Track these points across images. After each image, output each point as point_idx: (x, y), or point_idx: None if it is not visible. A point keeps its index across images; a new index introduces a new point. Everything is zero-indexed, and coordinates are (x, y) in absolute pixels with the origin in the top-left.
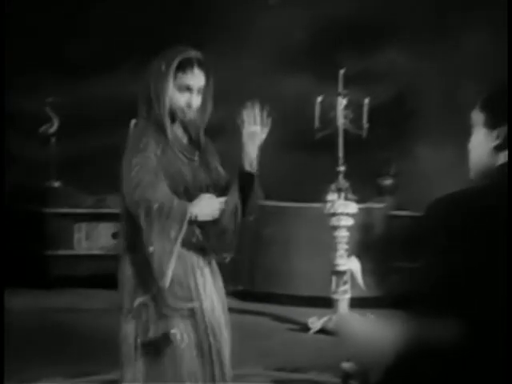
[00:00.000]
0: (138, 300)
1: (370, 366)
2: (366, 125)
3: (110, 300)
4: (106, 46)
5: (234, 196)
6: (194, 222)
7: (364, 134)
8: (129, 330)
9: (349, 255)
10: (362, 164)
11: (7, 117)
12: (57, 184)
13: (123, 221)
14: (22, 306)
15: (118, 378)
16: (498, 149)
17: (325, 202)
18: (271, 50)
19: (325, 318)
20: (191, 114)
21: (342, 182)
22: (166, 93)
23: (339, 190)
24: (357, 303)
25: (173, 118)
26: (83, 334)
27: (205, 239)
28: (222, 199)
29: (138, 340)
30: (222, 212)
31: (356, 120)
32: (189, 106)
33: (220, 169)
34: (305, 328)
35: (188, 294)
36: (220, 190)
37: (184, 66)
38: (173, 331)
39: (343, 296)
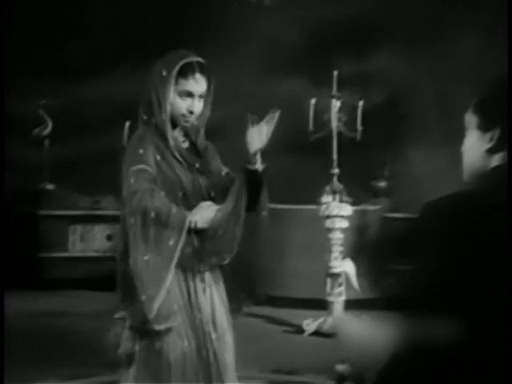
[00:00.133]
0: (119, 314)
1: (365, 368)
2: (359, 127)
3: (105, 302)
4: (99, 48)
5: (233, 196)
6: (192, 230)
7: (358, 136)
8: (127, 334)
9: (343, 257)
10: (356, 166)
11: (1, 119)
12: (51, 186)
13: (122, 224)
14: (17, 308)
15: (112, 380)
16: (491, 151)
17: (319, 204)
18: (266, 52)
19: (320, 320)
20: (192, 120)
21: (337, 184)
22: (167, 99)
23: (334, 193)
24: (351, 305)
25: (173, 124)
26: (78, 336)
27: (201, 245)
28: (221, 207)
29: (136, 347)
30: (218, 215)
31: (350, 122)
32: (190, 111)
33: (223, 171)
34: (300, 330)
35: (170, 312)
36: (224, 194)
37: (185, 72)
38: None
39: (338, 298)
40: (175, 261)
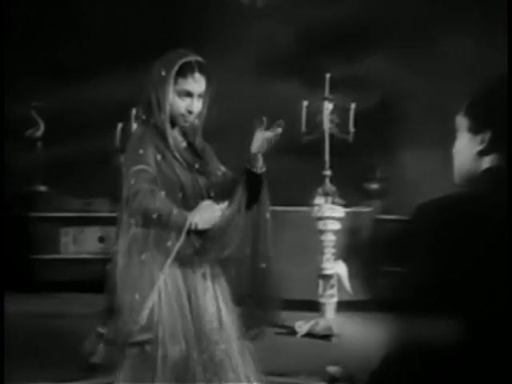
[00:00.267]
0: (101, 329)
1: (357, 370)
2: (352, 129)
3: (97, 304)
4: (92, 51)
5: (237, 200)
6: (193, 232)
7: (350, 138)
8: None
9: (336, 259)
10: (348, 168)
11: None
12: (43, 188)
13: (119, 225)
14: (8, 310)
15: (106, 382)
16: (481, 153)
17: (312, 205)
18: (258, 54)
19: (312, 322)
20: (191, 120)
21: (329, 186)
22: (166, 99)
23: (326, 194)
24: (344, 307)
25: (172, 123)
26: (70, 338)
27: (202, 246)
28: (223, 205)
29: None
30: (221, 219)
31: (342, 125)
32: (189, 111)
33: (222, 171)
34: (292, 332)
35: (151, 323)
36: (223, 194)
37: (184, 71)
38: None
39: (330, 300)
40: (170, 261)
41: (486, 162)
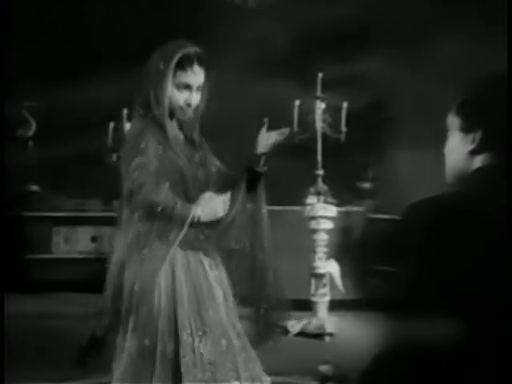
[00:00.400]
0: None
1: (348, 369)
2: (344, 129)
3: (89, 304)
4: (84, 51)
5: (242, 193)
6: (198, 224)
7: (342, 137)
8: (121, 332)
9: (328, 258)
10: (340, 168)
11: None
12: (35, 187)
13: (119, 219)
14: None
15: (104, 382)
16: (473, 153)
17: (304, 205)
18: (250, 53)
19: (304, 321)
20: (190, 113)
21: (321, 185)
22: (165, 92)
23: (318, 194)
24: (336, 306)
25: (170, 116)
26: (63, 338)
27: (210, 237)
28: (224, 197)
29: (129, 343)
30: (230, 208)
31: (334, 124)
32: (188, 104)
33: (217, 166)
34: (284, 331)
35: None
36: (218, 188)
37: (183, 64)
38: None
39: (322, 299)
40: (171, 253)
41: (478, 162)
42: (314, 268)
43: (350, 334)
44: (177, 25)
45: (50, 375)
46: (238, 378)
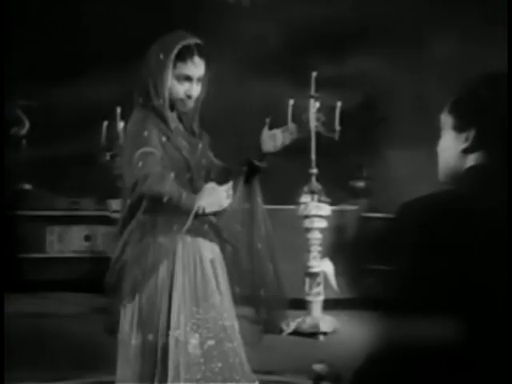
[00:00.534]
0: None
1: (342, 368)
2: (338, 128)
3: (83, 304)
4: (77, 50)
5: (241, 186)
6: (202, 215)
7: (336, 137)
8: (126, 328)
9: (322, 257)
10: (334, 167)
11: None
12: (28, 186)
13: (123, 208)
14: None
15: (91, 382)
16: (466, 151)
17: (298, 204)
18: (244, 52)
19: (298, 320)
20: (190, 105)
21: (315, 184)
22: (165, 84)
23: (312, 193)
24: (330, 305)
25: (171, 108)
26: (56, 338)
27: (213, 226)
28: (227, 186)
29: (134, 340)
30: (230, 206)
31: (328, 123)
32: (189, 96)
33: (211, 158)
34: (278, 330)
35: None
36: (215, 178)
37: (184, 55)
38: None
39: (316, 298)
40: (176, 244)
41: (471, 160)
42: (308, 267)
43: (345, 332)
44: (171, 24)
45: (45, 374)
46: (226, 379)
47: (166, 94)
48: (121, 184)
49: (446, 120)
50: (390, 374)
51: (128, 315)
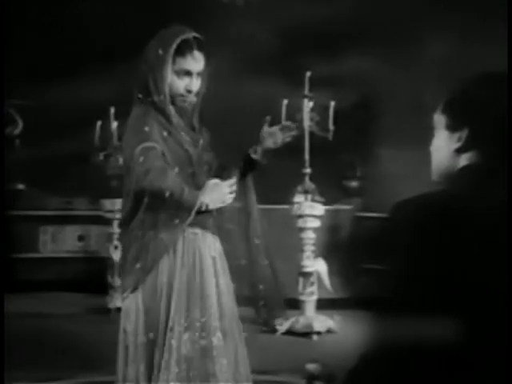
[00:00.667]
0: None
1: (336, 367)
2: (331, 127)
3: (76, 304)
4: (70, 49)
5: (236, 178)
6: (206, 211)
7: (330, 136)
8: (128, 328)
9: (315, 256)
10: (328, 166)
11: None
12: (22, 186)
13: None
14: None
15: (85, 382)
16: (459, 151)
17: (292, 203)
18: (238, 52)
19: (292, 320)
20: (190, 99)
21: (309, 183)
22: (165, 79)
23: (306, 192)
24: (324, 304)
25: (171, 103)
26: (50, 338)
27: (216, 220)
28: (231, 182)
29: (139, 340)
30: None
31: (322, 123)
32: (189, 91)
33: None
34: (272, 329)
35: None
36: (213, 175)
37: (183, 50)
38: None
39: (310, 297)
40: (177, 240)
41: (464, 160)
42: (302, 267)
43: (339, 332)
44: (165, 24)
45: (39, 375)
46: (214, 380)
47: (167, 90)
48: (122, 181)
49: (439, 120)
50: (383, 374)
51: (132, 315)
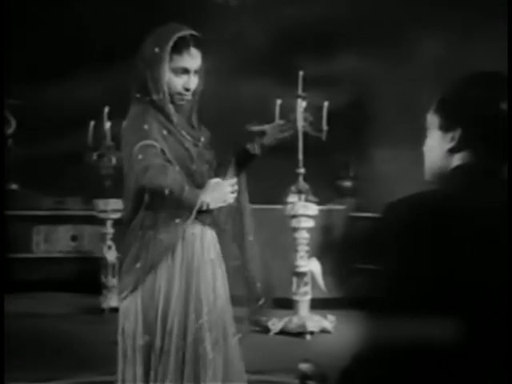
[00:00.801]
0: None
1: (329, 367)
2: (325, 127)
3: (69, 304)
4: (63, 49)
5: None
6: (207, 211)
7: (323, 136)
8: (127, 329)
9: (309, 256)
10: (321, 166)
11: None
12: (15, 186)
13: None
14: None
15: (78, 382)
16: (452, 151)
17: (285, 203)
18: (231, 52)
19: (285, 320)
20: (188, 98)
21: (302, 183)
22: (163, 78)
23: (299, 192)
24: (317, 304)
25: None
26: (43, 339)
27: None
28: (232, 181)
29: (138, 342)
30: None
31: (315, 123)
32: (187, 89)
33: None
34: (265, 329)
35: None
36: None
37: (179, 47)
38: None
39: (304, 297)
40: (177, 241)
41: (457, 160)
42: (296, 266)
43: (332, 332)
44: (158, 24)
45: (34, 375)
46: (212, 380)
47: (165, 88)
48: (115, 181)
49: (432, 120)
50: (376, 374)
51: (131, 316)
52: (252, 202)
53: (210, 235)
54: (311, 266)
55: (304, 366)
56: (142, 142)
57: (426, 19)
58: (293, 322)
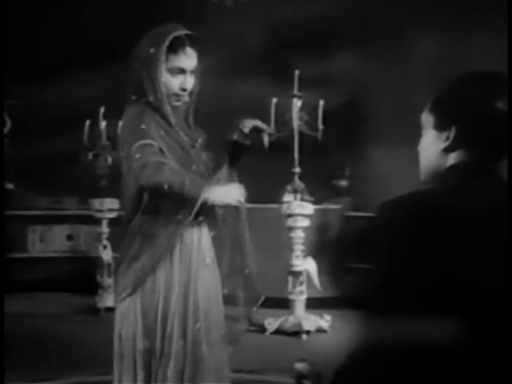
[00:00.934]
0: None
1: (324, 367)
2: (320, 127)
3: (65, 304)
4: (59, 49)
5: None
6: (212, 207)
7: (319, 136)
8: (124, 334)
9: (305, 256)
10: (317, 165)
11: None
12: (10, 185)
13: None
14: None
15: (74, 382)
16: (447, 150)
17: (281, 203)
18: (227, 51)
19: (281, 319)
20: (185, 98)
21: (298, 183)
22: (159, 77)
23: (295, 191)
24: (313, 304)
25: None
26: (39, 338)
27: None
28: (240, 184)
29: (137, 346)
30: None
31: (311, 122)
32: (183, 89)
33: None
34: (261, 329)
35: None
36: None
37: (175, 47)
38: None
39: (299, 297)
40: (176, 243)
41: (452, 159)
42: (291, 266)
43: (328, 331)
44: (153, 24)
45: (30, 375)
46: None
47: (163, 89)
48: (111, 181)
49: (427, 119)
50: (370, 373)
51: (128, 320)
52: (248, 201)
53: (206, 239)
54: (307, 265)
55: (300, 366)
56: (139, 142)
57: (422, 19)
58: (289, 321)
